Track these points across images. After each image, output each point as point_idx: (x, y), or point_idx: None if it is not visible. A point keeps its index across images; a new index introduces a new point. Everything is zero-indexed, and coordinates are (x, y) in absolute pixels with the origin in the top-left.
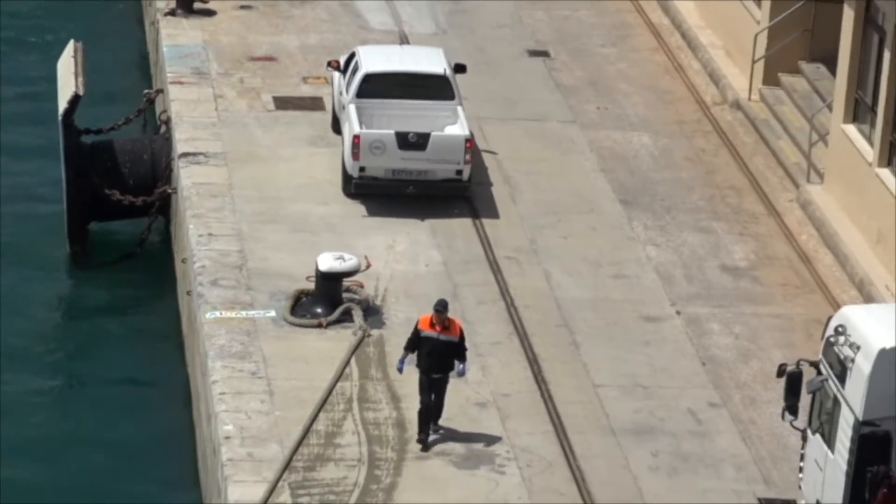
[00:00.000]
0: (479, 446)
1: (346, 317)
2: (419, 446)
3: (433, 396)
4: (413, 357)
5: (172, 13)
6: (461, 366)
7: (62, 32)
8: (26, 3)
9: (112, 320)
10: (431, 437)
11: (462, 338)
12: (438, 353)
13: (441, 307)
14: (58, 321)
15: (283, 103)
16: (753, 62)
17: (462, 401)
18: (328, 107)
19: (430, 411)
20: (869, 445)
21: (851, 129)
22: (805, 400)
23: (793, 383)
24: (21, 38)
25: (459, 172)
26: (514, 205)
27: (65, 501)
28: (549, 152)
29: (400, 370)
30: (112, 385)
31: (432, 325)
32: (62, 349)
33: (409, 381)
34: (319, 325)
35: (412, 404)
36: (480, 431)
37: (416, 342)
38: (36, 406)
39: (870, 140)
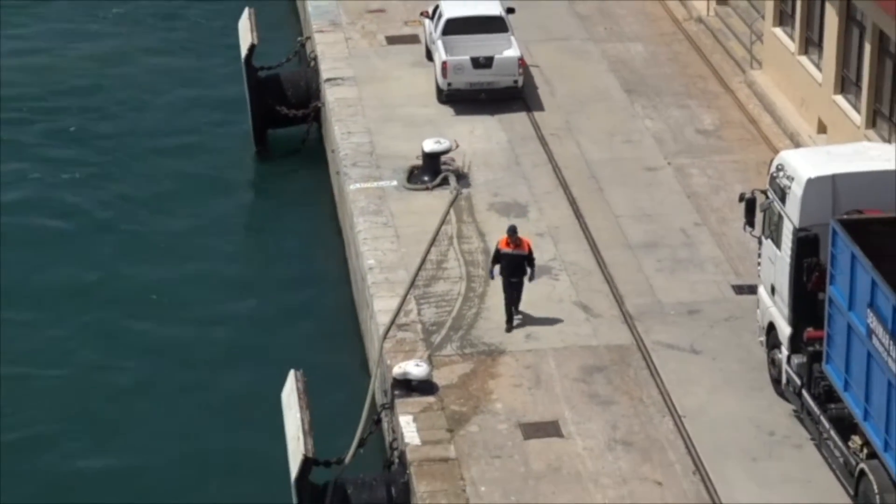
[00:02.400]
0: (541, 262)
1: (445, 181)
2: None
3: (513, 294)
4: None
5: None
6: (530, 271)
7: (238, 3)
8: None
9: (285, 195)
10: (515, 322)
11: (530, 251)
12: (514, 264)
13: (512, 231)
14: (250, 195)
15: (392, 40)
16: None
17: (528, 234)
18: (422, 41)
19: (512, 307)
20: (804, 245)
21: (779, 31)
22: (759, 216)
23: (750, 206)
24: (208, 10)
25: (515, 82)
26: (553, 98)
27: (261, 288)
28: (575, 61)
29: (492, 277)
30: (288, 236)
31: (508, 244)
32: (254, 213)
33: (492, 222)
34: (427, 189)
35: (494, 239)
36: (540, 251)
37: (497, 257)
38: (237, 239)
39: (792, 37)
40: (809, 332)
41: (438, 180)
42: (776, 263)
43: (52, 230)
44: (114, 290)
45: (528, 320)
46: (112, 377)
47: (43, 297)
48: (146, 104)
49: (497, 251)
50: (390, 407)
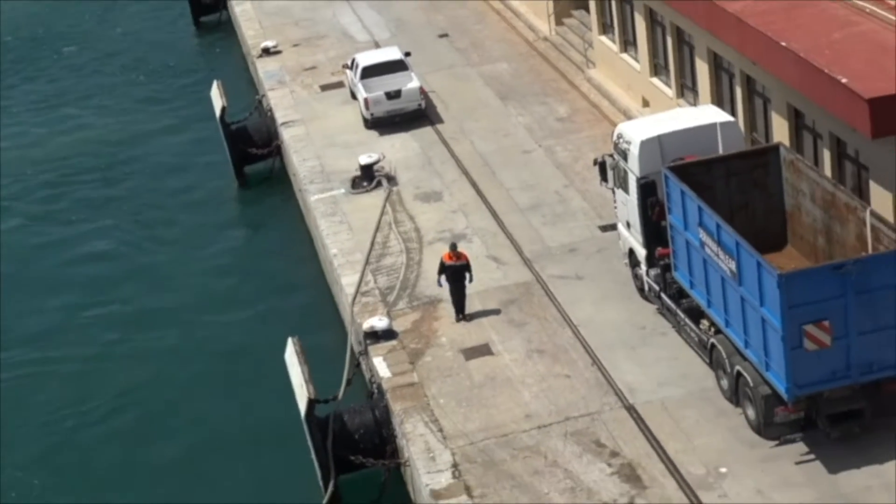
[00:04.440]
0: (456, 231)
1: (379, 184)
2: (443, 264)
3: (458, 296)
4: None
5: (260, 55)
6: (469, 275)
7: (207, 73)
8: (180, 59)
9: (264, 211)
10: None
11: (468, 262)
12: (456, 273)
13: (453, 247)
14: (234, 214)
15: (325, 87)
16: (549, 15)
17: (445, 212)
18: (346, 85)
19: (459, 304)
20: (645, 189)
21: (604, 38)
22: (610, 174)
23: (602, 167)
24: (183, 76)
25: (420, 105)
26: (448, 112)
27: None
28: (459, 83)
29: (440, 285)
30: (270, 240)
31: (451, 258)
32: (241, 227)
33: (418, 208)
34: (367, 191)
35: (425, 220)
36: (456, 224)
37: (443, 269)
38: (231, 247)
39: (614, 41)
40: (659, 250)
41: (374, 184)
42: (627, 205)
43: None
44: (139, 279)
45: None
46: (143, 350)
47: (70, 305)
48: (148, 159)
49: (442, 264)
50: (365, 353)
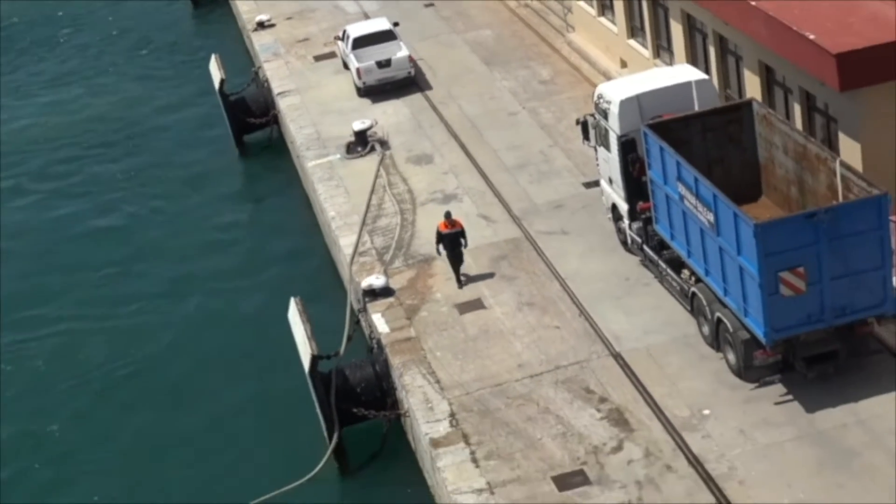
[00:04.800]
0: (448, 192)
1: (372, 149)
2: (441, 222)
3: (457, 260)
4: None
5: (255, 29)
6: (464, 241)
7: (206, 48)
8: (180, 37)
9: (264, 178)
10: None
11: (462, 229)
12: (453, 239)
13: (447, 216)
14: (235, 181)
15: (318, 58)
16: None
17: (437, 174)
18: (339, 56)
19: (458, 268)
20: (626, 146)
21: (582, 3)
22: (592, 133)
23: (584, 126)
24: (183, 52)
25: (409, 73)
26: (436, 78)
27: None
28: (446, 49)
29: (439, 254)
30: (270, 205)
31: (446, 226)
32: (239, 192)
33: (410, 170)
34: (361, 156)
35: (417, 182)
36: (447, 185)
37: (440, 237)
38: (235, 210)
39: (592, 5)
40: (641, 205)
41: (368, 149)
42: (609, 162)
43: (99, 224)
44: (146, 250)
45: None
46: (152, 319)
47: (86, 277)
48: (152, 132)
49: (439, 233)
50: (364, 310)
